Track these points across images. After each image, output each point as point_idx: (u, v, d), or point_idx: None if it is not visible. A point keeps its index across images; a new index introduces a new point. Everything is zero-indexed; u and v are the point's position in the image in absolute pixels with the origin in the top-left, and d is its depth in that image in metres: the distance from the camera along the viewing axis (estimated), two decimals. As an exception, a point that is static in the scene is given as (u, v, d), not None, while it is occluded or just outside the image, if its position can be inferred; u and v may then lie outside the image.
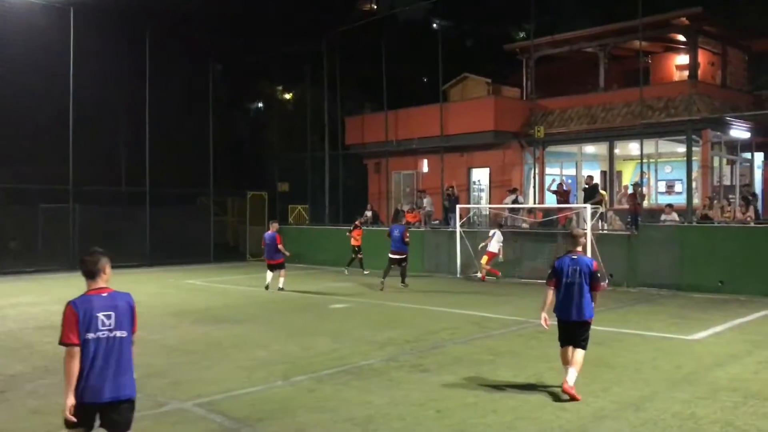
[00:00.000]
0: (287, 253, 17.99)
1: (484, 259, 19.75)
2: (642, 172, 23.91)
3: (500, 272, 19.91)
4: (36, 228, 24.57)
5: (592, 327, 8.13)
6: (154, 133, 25.87)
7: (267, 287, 17.77)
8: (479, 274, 21.16)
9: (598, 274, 8.09)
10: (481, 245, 19.99)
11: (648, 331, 11.83)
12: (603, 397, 7.80)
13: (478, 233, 21.42)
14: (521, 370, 9.01)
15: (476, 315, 13.65)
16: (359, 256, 22.21)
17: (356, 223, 22.86)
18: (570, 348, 7.97)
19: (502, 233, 19.89)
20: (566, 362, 7.95)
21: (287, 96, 31.27)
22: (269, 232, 18.16)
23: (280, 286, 17.64)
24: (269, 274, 17.90)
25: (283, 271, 17.75)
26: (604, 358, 9.65)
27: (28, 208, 23.95)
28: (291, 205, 29.07)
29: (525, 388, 8.19)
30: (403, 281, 18.16)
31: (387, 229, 19.79)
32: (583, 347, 7.98)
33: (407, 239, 17.97)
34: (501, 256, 19.78)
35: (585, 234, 11.53)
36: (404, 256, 18.00)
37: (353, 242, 22.34)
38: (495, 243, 19.60)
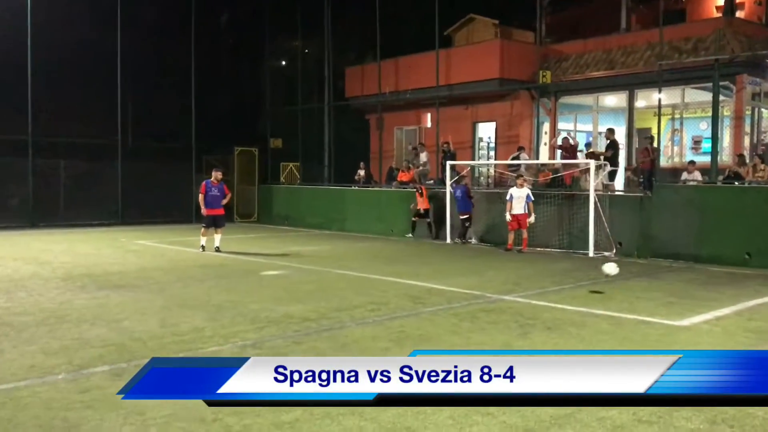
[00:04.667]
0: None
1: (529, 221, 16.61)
2: (674, 130, 20.85)
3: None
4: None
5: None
6: (129, 81, 23.77)
7: (203, 248, 15.70)
8: (472, 240, 18.56)
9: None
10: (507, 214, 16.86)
11: (628, 313, 9.14)
12: (499, 415, 5.24)
13: (484, 195, 18.73)
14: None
15: (422, 287, 11.12)
16: (428, 220, 19.61)
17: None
18: None
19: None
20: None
21: (284, 46, 28.67)
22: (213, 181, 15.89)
23: (217, 244, 15.51)
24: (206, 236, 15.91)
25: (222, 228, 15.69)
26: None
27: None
28: (283, 162, 26.70)
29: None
30: (462, 238, 18.15)
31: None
32: None
33: (471, 197, 18.00)
34: (532, 216, 16.54)
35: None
36: (468, 216, 17.99)
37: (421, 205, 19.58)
38: (516, 203, 16.58)
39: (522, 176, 17.14)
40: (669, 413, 5.27)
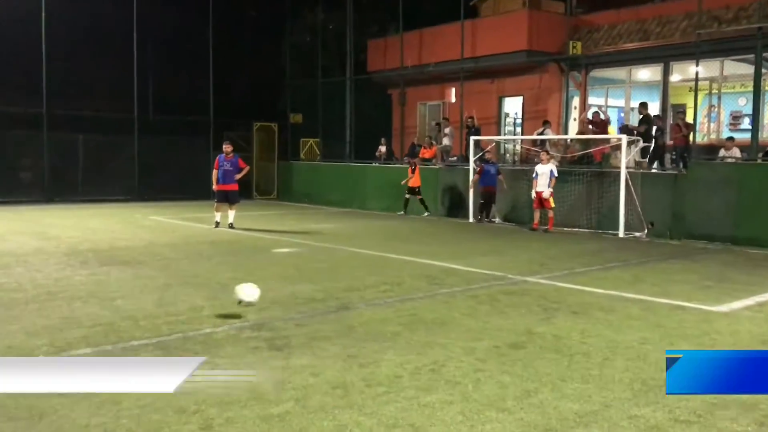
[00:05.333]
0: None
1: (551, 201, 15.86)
2: (711, 106, 19.82)
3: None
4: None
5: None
6: (147, 55, 23.29)
7: (218, 224, 15.19)
8: (496, 219, 17.88)
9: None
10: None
11: (660, 297, 8.43)
12: (516, 411, 4.62)
13: (509, 172, 18.00)
14: (421, 354, 5.87)
15: (439, 266, 10.49)
16: (419, 197, 19.23)
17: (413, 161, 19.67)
18: None
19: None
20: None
21: (305, 19, 27.87)
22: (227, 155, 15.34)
23: (231, 221, 15.02)
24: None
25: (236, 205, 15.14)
26: (566, 337, 6.43)
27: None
28: (303, 138, 26.06)
29: (391, 391, 5.06)
30: (486, 216, 17.72)
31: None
32: None
33: (500, 176, 17.38)
34: (548, 190, 15.64)
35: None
36: (492, 191, 17.41)
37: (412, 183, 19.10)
38: (541, 180, 15.82)
39: (547, 151, 16.33)
40: (711, 412, 4.62)
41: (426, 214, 19.28)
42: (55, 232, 14.07)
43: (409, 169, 19.24)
